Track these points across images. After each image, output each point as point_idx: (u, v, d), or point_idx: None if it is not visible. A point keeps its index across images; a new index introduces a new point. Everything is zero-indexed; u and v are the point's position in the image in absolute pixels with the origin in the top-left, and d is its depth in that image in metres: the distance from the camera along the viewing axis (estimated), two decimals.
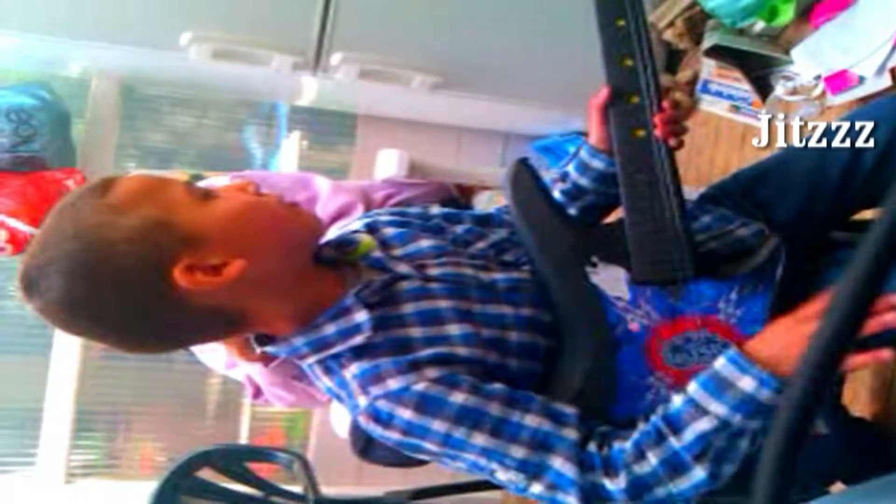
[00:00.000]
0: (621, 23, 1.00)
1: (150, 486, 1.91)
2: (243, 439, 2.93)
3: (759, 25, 2.10)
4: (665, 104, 0.99)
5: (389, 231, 1.07)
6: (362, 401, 0.93)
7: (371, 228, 1.08)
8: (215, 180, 1.77)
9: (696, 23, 2.26)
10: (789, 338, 0.88)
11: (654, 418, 0.91)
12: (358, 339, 0.95)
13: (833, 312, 0.37)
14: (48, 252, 0.89)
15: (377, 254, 1.02)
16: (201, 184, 1.76)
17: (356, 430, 1.26)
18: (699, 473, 0.87)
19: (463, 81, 2.30)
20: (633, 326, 0.96)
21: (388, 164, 2.38)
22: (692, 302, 0.96)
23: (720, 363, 0.89)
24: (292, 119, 2.79)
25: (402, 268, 1.01)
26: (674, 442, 0.88)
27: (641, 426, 0.91)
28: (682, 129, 1.02)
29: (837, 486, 1.18)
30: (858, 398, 1.62)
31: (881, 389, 1.60)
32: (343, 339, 0.95)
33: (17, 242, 2.19)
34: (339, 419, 2.02)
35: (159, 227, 0.89)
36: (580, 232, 1.01)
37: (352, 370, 0.95)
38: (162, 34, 2.09)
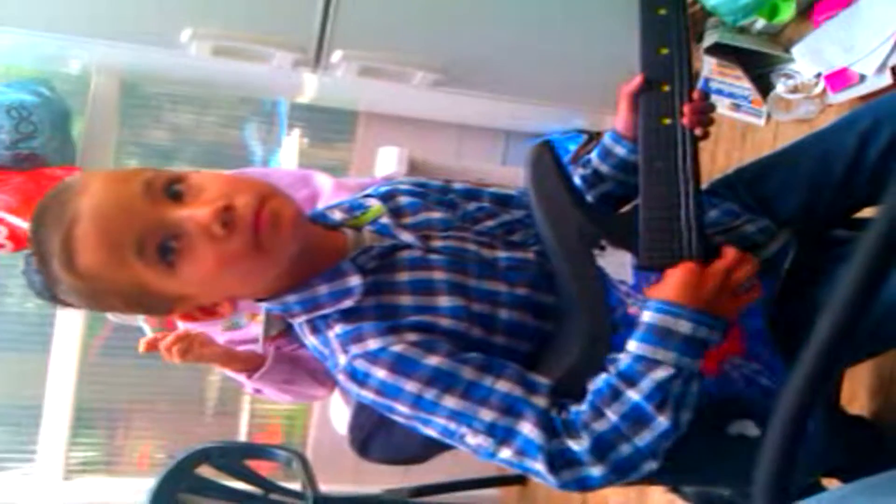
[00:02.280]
0: (662, 11, 1.00)
1: (149, 483, 1.92)
2: (242, 437, 2.94)
3: (760, 23, 2.10)
4: (695, 94, 1.00)
5: (404, 199, 1.09)
6: (342, 359, 0.95)
7: (389, 195, 1.10)
8: None
9: (697, 20, 2.26)
10: (696, 280, 0.92)
11: (605, 377, 0.92)
12: (347, 303, 0.96)
13: (834, 310, 0.37)
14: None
15: (384, 220, 1.04)
16: None
17: (355, 427, 1.26)
18: (663, 423, 0.88)
19: (464, 79, 2.29)
20: (633, 311, 0.97)
21: (388, 162, 2.39)
22: None
23: (649, 316, 0.92)
24: (293, 116, 2.79)
25: (407, 236, 1.02)
26: (632, 394, 0.89)
27: (592, 387, 0.92)
28: (710, 120, 1.02)
29: (835, 484, 1.18)
30: (857, 397, 1.62)
31: (879, 388, 1.60)
32: (333, 301, 0.97)
33: (18, 239, 2.19)
34: (338, 416, 2.02)
35: (143, 294, 0.94)
36: (591, 215, 1.01)
37: (336, 330, 0.97)
38: (162, 31, 2.09)
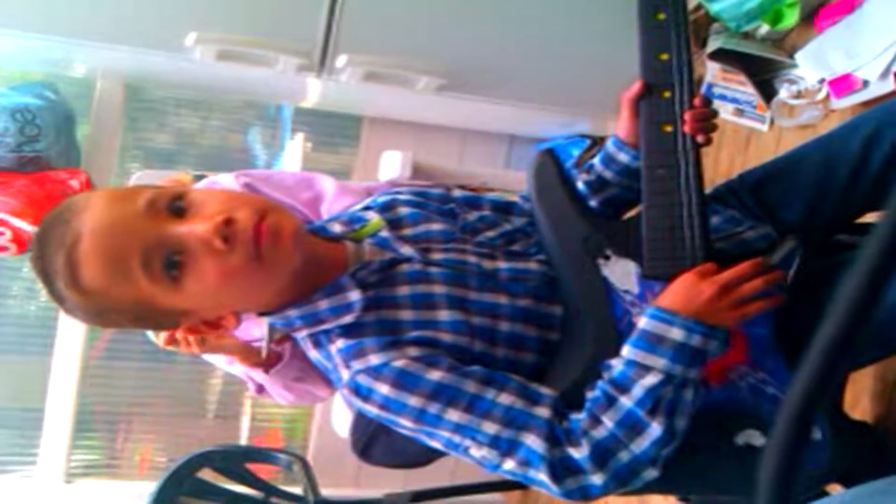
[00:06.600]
0: (661, 16, 0.99)
1: (150, 487, 1.91)
2: (243, 440, 2.93)
3: (764, 29, 2.10)
4: (697, 101, 0.99)
5: (405, 210, 1.09)
6: (344, 374, 0.96)
7: (388, 206, 1.10)
8: (220, 178, 1.77)
9: (701, 26, 2.27)
10: (693, 290, 0.92)
11: (600, 383, 0.92)
12: (347, 318, 0.97)
13: (836, 315, 0.37)
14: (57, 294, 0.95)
15: (384, 234, 1.04)
16: (204, 182, 1.77)
17: (356, 430, 1.26)
18: (656, 429, 0.88)
19: (468, 84, 2.30)
20: (638, 320, 0.96)
21: (391, 166, 2.39)
22: None
23: (644, 322, 0.92)
24: (297, 121, 2.79)
25: (406, 249, 1.02)
26: (625, 401, 0.90)
27: (590, 395, 0.92)
28: (712, 127, 1.02)
29: (837, 489, 1.18)
30: (859, 402, 1.62)
31: (882, 393, 1.60)
32: (335, 316, 0.97)
33: (21, 242, 2.19)
34: (340, 420, 2.02)
35: (148, 310, 0.95)
36: (596, 224, 1.01)
37: (337, 345, 0.97)
38: (167, 35, 2.09)
